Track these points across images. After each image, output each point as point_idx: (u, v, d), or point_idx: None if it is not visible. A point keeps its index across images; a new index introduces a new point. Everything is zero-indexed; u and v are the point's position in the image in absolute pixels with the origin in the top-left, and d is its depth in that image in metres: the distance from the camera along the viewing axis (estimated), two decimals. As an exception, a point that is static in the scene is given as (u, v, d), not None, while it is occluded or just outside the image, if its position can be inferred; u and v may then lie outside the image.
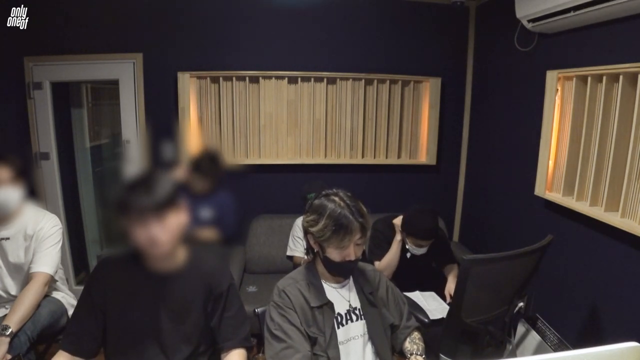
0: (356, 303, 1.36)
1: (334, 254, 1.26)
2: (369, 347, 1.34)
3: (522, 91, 2.48)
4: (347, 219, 1.23)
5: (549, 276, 2.15)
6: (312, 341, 1.26)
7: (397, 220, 2.19)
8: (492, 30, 2.80)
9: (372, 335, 1.33)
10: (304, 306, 1.27)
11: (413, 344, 1.40)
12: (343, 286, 1.37)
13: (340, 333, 1.30)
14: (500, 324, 1.65)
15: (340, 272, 1.33)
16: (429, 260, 2.36)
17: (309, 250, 1.37)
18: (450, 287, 2.17)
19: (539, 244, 1.59)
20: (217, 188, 2.24)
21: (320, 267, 1.35)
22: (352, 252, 1.26)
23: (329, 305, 1.30)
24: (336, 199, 1.28)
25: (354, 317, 1.34)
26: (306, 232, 1.32)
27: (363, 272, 1.42)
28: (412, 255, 2.21)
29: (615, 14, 1.71)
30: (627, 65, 1.66)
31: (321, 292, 1.31)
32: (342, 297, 1.35)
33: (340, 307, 1.33)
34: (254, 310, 1.52)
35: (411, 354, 1.36)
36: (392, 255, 2.16)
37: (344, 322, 1.32)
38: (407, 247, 2.17)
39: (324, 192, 1.33)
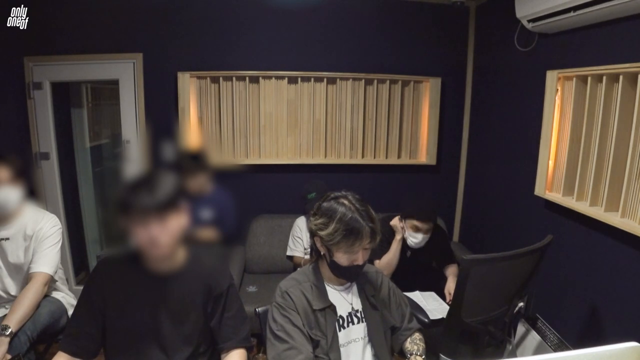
0: (358, 305, 1.35)
1: (342, 259, 1.24)
2: (369, 350, 1.34)
3: (522, 91, 2.48)
4: (358, 224, 1.21)
5: (549, 276, 2.15)
6: (314, 344, 1.25)
7: (395, 221, 2.19)
8: (492, 30, 2.80)
9: (372, 338, 1.33)
10: (306, 308, 1.27)
11: (413, 344, 1.40)
12: (346, 288, 1.36)
13: (342, 336, 1.30)
14: (500, 324, 1.65)
15: (347, 276, 1.31)
16: (429, 260, 2.36)
17: (313, 251, 1.36)
18: (450, 286, 2.17)
19: (539, 244, 1.59)
20: (210, 187, 2.21)
21: (325, 270, 1.34)
22: (360, 256, 1.25)
23: (332, 308, 1.29)
24: (346, 202, 1.26)
25: (356, 320, 1.33)
26: (313, 235, 1.30)
27: (365, 273, 1.41)
28: (412, 255, 2.21)
29: (615, 14, 1.71)
30: (627, 65, 1.65)
31: (324, 294, 1.31)
32: (344, 299, 1.34)
33: (342, 310, 1.32)
34: (255, 310, 1.51)
35: (411, 354, 1.36)
36: (391, 255, 2.17)
37: (345, 324, 1.32)
38: (407, 240, 2.17)
39: (332, 195, 1.30)
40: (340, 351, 1.28)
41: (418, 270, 2.28)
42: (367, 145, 3.00)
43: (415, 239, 2.14)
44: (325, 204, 1.28)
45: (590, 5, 1.72)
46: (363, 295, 1.36)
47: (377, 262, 2.18)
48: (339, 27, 2.88)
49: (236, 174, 2.71)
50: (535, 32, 2.20)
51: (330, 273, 1.32)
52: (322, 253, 1.30)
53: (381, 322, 1.36)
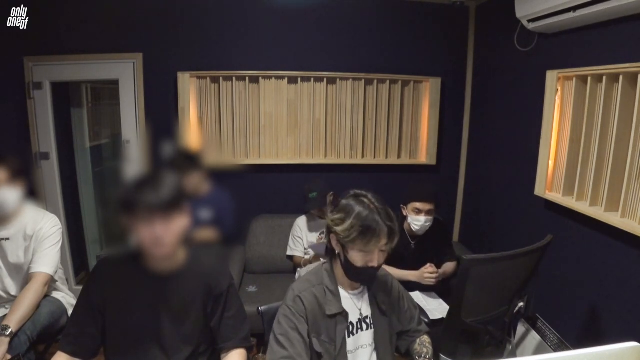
0: (367, 312, 1.33)
1: (356, 258, 1.21)
2: (375, 356, 1.33)
3: (522, 91, 2.48)
4: (375, 222, 1.18)
5: (549, 276, 2.15)
6: (317, 356, 1.23)
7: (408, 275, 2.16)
8: (492, 30, 2.80)
9: (378, 345, 1.32)
10: (316, 313, 1.24)
11: (422, 347, 1.38)
12: (358, 293, 1.34)
13: (350, 342, 1.29)
14: (500, 324, 1.65)
15: (361, 278, 1.28)
16: (432, 255, 2.35)
17: (327, 250, 1.33)
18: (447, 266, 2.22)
19: (539, 244, 1.59)
20: (204, 187, 2.20)
21: (339, 273, 1.31)
22: (375, 257, 1.21)
23: (344, 314, 1.27)
24: (365, 200, 1.24)
25: (364, 327, 1.32)
26: (329, 231, 1.27)
27: (377, 277, 1.36)
28: (414, 254, 2.20)
29: (615, 14, 1.71)
30: (627, 65, 1.65)
31: (338, 299, 1.28)
32: (354, 305, 1.32)
33: (352, 316, 1.30)
34: (258, 309, 1.50)
35: (420, 356, 1.35)
36: (397, 275, 2.14)
37: (354, 331, 1.30)
38: (410, 226, 2.15)
39: (353, 192, 1.28)
40: (348, 357, 1.27)
41: (421, 266, 2.27)
42: (367, 145, 3.00)
43: (418, 221, 2.11)
44: (344, 201, 1.26)
45: (590, 5, 1.72)
46: (374, 301, 1.34)
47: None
48: (338, 27, 2.88)
49: (236, 174, 2.71)
50: (535, 32, 2.20)
51: (344, 276, 1.29)
52: (336, 252, 1.28)
53: (388, 329, 1.35)
